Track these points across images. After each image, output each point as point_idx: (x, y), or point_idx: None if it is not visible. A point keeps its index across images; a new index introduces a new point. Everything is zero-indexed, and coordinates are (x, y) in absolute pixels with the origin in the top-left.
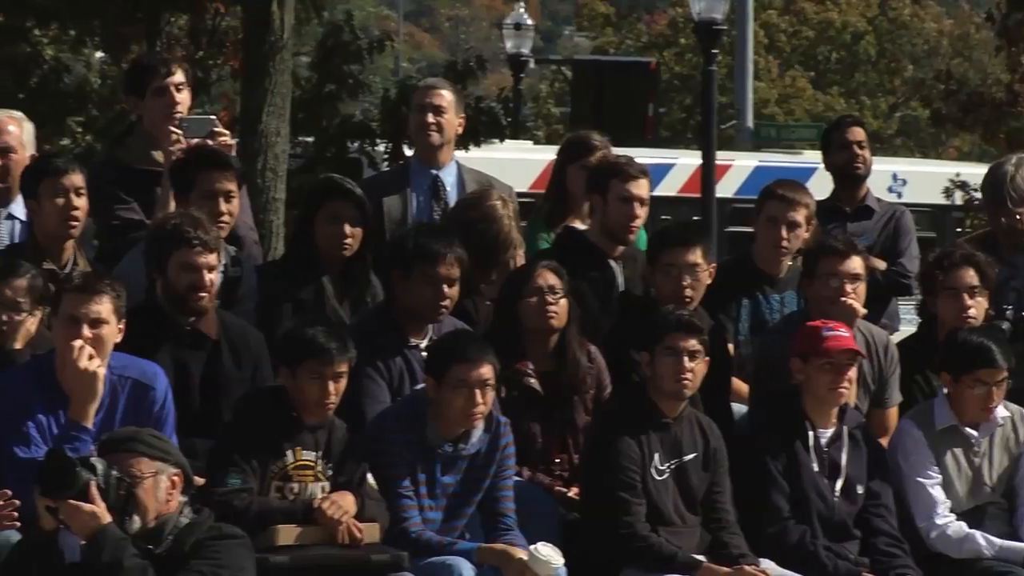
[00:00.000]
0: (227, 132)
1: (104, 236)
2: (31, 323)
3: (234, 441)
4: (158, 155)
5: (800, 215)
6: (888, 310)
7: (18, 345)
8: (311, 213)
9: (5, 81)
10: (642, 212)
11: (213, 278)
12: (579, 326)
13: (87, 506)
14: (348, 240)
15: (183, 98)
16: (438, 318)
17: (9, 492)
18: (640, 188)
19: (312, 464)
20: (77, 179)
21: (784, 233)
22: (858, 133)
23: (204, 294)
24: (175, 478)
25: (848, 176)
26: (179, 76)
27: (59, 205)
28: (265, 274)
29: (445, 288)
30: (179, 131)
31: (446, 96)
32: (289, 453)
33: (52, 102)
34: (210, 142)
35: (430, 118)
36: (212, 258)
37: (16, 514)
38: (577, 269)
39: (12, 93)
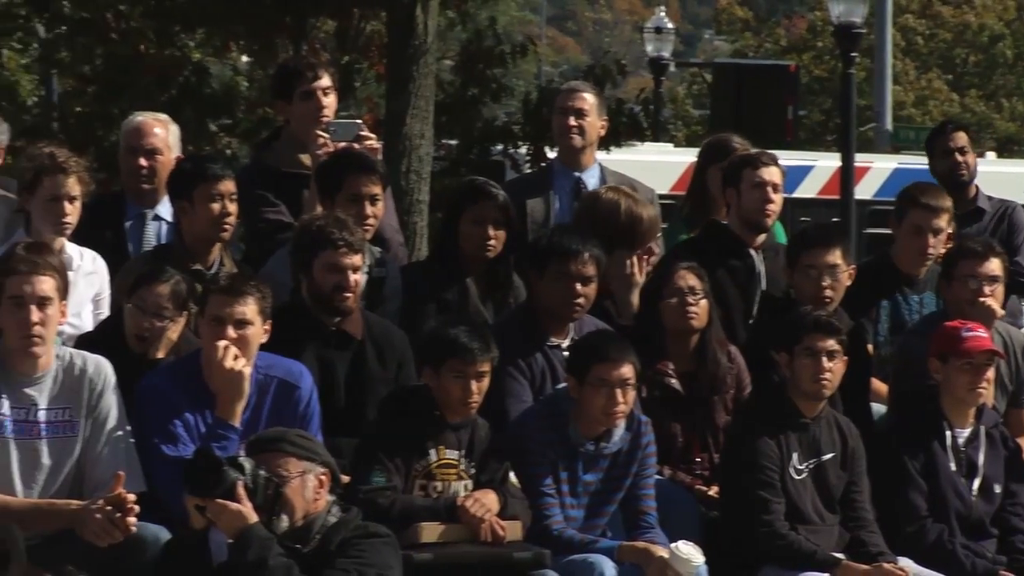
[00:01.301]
0: (373, 135)
1: (251, 238)
2: (173, 331)
3: (379, 440)
4: (305, 158)
5: (943, 220)
6: (1008, 307)
7: (160, 354)
8: (455, 215)
9: (150, 85)
10: (776, 198)
11: (358, 279)
12: (719, 327)
13: (234, 505)
14: (492, 242)
15: (329, 102)
16: (573, 316)
17: (133, 496)
18: (772, 174)
19: (455, 463)
20: (231, 185)
21: (930, 241)
22: (960, 138)
23: (349, 295)
24: (322, 477)
25: (953, 182)
26: (326, 80)
27: (214, 210)
28: (409, 275)
29: (579, 286)
30: (326, 135)
31: (588, 99)
32: (433, 452)
33: (196, 105)
34: (356, 145)
35: (572, 121)
36: (357, 259)
37: (136, 514)
38: (718, 259)
39: (156, 96)
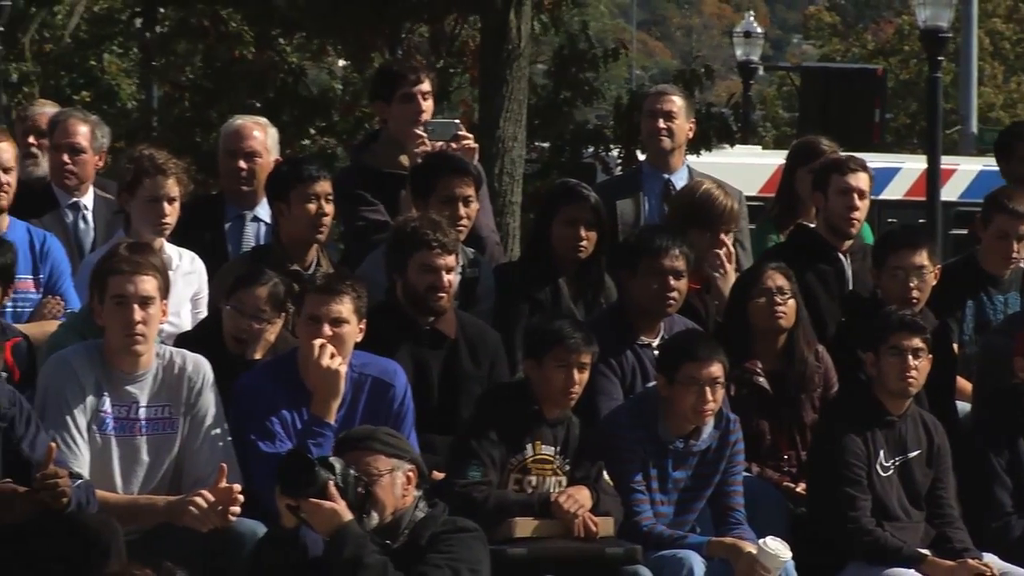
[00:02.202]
0: (470, 136)
1: (349, 238)
2: (271, 332)
3: (476, 434)
4: (403, 159)
5: None
6: None
7: (258, 355)
8: (548, 216)
9: (248, 88)
10: (862, 204)
11: (451, 279)
12: (807, 326)
13: (328, 504)
14: (583, 243)
15: (428, 106)
16: (667, 310)
17: (238, 487)
18: (859, 180)
19: (550, 459)
20: (327, 186)
21: (1015, 246)
22: None
23: (443, 295)
24: (410, 474)
25: None
26: (426, 85)
27: (310, 211)
28: (502, 275)
29: (671, 280)
30: (424, 134)
31: (676, 102)
32: (529, 447)
33: (293, 108)
34: (454, 145)
35: (661, 123)
36: (450, 260)
37: (239, 504)
38: (808, 263)
39: (254, 100)
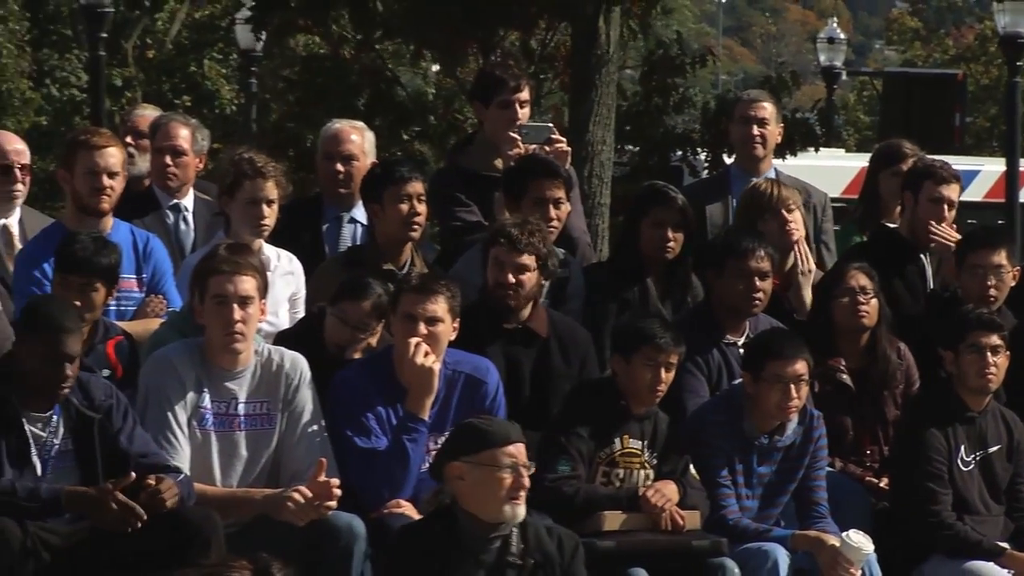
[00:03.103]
0: (563, 139)
1: (444, 238)
2: (372, 338)
3: (565, 430)
4: (498, 162)
5: None
6: None
7: (357, 355)
8: (636, 218)
9: (346, 92)
10: (949, 215)
11: (524, 278)
12: (889, 324)
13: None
14: (670, 244)
15: (525, 114)
16: (752, 310)
17: (336, 481)
18: (951, 191)
19: (638, 453)
20: (419, 186)
21: None
22: None
23: (507, 291)
24: None
25: None
26: (525, 93)
27: (403, 211)
28: (591, 275)
29: (757, 281)
30: (518, 137)
31: (768, 108)
32: (617, 441)
33: (389, 112)
34: (547, 148)
35: (755, 130)
36: (523, 258)
37: (338, 496)
38: (890, 263)
39: (351, 104)
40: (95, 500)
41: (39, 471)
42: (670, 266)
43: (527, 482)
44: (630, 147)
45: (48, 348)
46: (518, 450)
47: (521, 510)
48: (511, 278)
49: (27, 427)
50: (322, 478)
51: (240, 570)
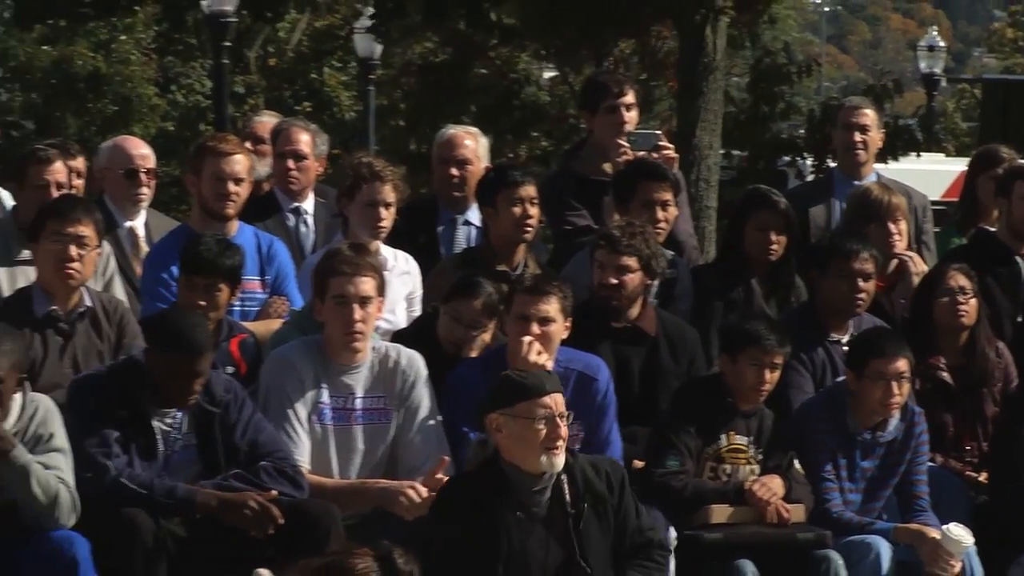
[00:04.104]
0: (671, 146)
1: (556, 240)
2: (486, 336)
3: (673, 426)
4: (607, 167)
5: None
6: None
7: (473, 354)
8: (740, 221)
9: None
10: None
11: (627, 279)
12: (987, 324)
13: None
14: (774, 247)
15: (632, 117)
16: (855, 310)
17: (447, 478)
18: None
19: (744, 448)
20: (531, 190)
21: None
22: None
23: (608, 292)
24: None
25: None
26: (630, 97)
27: (515, 213)
28: (699, 275)
29: (860, 282)
30: (627, 144)
31: (870, 115)
32: (723, 437)
33: (511, 116)
34: (655, 155)
35: (857, 136)
36: (624, 260)
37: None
38: (987, 266)
39: (466, 109)
40: (233, 505)
41: (163, 464)
42: (773, 267)
43: (564, 432)
44: (737, 152)
45: (182, 367)
46: (553, 400)
47: (559, 460)
48: (612, 279)
49: (154, 423)
50: (439, 474)
51: (362, 557)
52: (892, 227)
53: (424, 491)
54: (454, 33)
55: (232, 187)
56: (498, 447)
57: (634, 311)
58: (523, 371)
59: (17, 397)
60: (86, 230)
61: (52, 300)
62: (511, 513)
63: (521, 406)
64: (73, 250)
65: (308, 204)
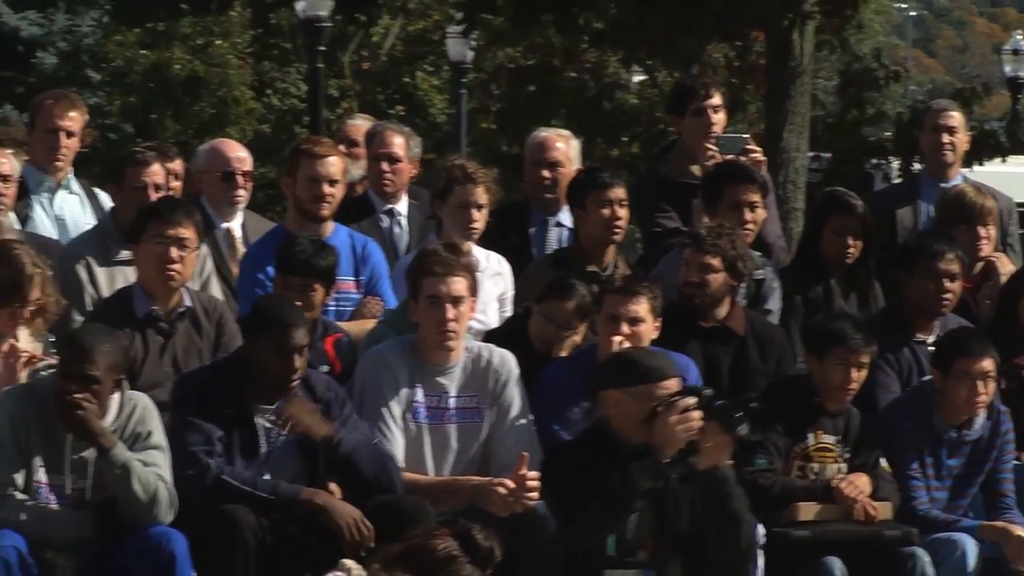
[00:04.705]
0: (758, 149)
1: (645, 242)
2: (577, 337)
3: (761, 425)
4: (695, 169)
5: None
6: None
7: (563, 354)
8: (818, 224)
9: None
10: None
11: (710, 278)
12: None
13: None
14: (850, 249)
15: (719, 119)
16: (941, 310)
17: (533, 474)
18: None
19: (831, 447)
20: (620, 192)
21: None
22: None
23: (691, 291)
24: None
25: None
26: (716, 99)
27: (605, 215)
28: (783, 276)
29: (946, 282)
30: (715, 148)
31: (957, 118)
32: (811, 436)
33: (602, 119)
34: (743, 158)
35: (945, 138)
36: (708, 259)
37: (537, 489)
38: None
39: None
40: (335, 513)
41: (264, 460)
42: (851, 268)
43: None
44: (825, 154)
45: (278, 341)
46: (673, 385)
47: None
48: (695, 277)
49: (257, 420)
50: (523, 471)
51: (442, 538)
52: (981, 230)
53: (511, 485)
54: (544, 37)
55: (327, 189)
56: (609, 419)
57: (722, 311)
58: (647, 351)
59: (115, 396)
60: (187, 232)
61: (153, 300)
62: (624, 474)
63: (642, 388)
64: (174, 252)
65: (402, 206)
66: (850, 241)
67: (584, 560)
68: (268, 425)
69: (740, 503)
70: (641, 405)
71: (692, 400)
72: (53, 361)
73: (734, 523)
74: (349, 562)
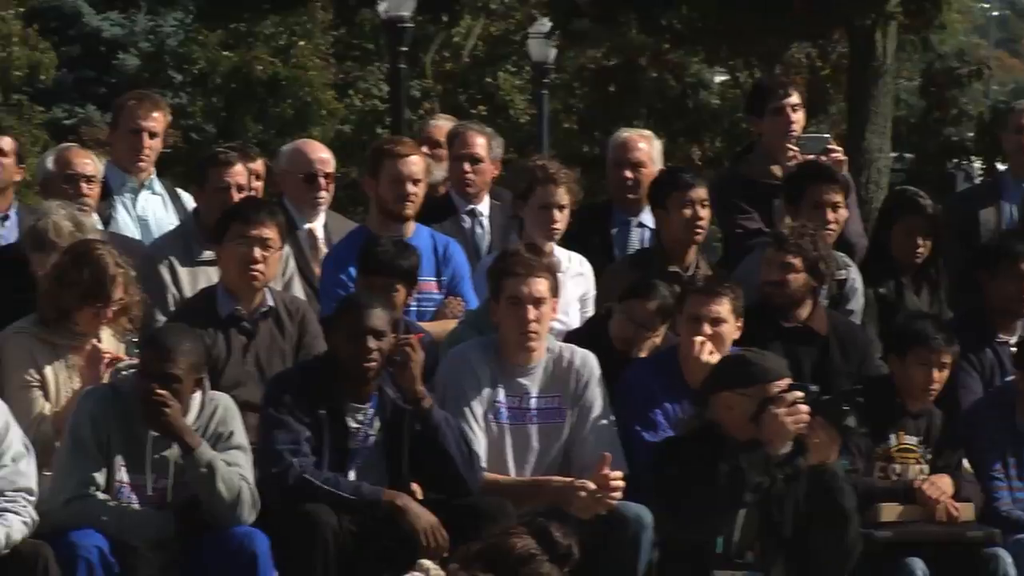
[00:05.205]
0: (839, 149)
1: (726, 242)
2: (657, 337)
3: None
4: (776, 169)
5: None
6: None
7: (643, 355)
8: (887, 224)
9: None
10: None
11: (790, 278)
12: None
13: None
14: (920, 249)
15: (798, 118)
16: (1023, 312)
17: (617, 474)
18: None
19: (914, 448)
20: (702, 192)
21: None
22: None
23: (771, 290)
24: None
25: None
26: (795, 98)
27: (686, 215)
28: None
29: None
30: (795, 148)
31: None
32: (893, 437)
33: (684, 119)
34: (823, 158)
35: None
36: (789, 258)
37: (620, 489)
38: None
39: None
40: (416, 518)
41: (353, 461)
42: (921, 267)
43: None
44: (908, 154)
45: (350, 322)
46: (784, 385)
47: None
48: (776, 276)
49: (347, 419)
50: (604, 472)
51: (520, 536)
52: None
53: (592, 486)
54: (626, 37)
55: (411, 188)
56: (721, 421)
57: (804, 311)
58: (759, 352)
59: (196, 396)
60: (270, 232)
61: (236, 300)
62: (735, 472)
63: (756, 388)
64: (258, 252)
65: (483, 206)
66: (920, 241)
67: (692, 559)
68: (356, 425)
69: (849, 499)
70: (753, 405)
71: (800, 394)
72: (134, 361)
73: (843, 518)
74: (427, 562)
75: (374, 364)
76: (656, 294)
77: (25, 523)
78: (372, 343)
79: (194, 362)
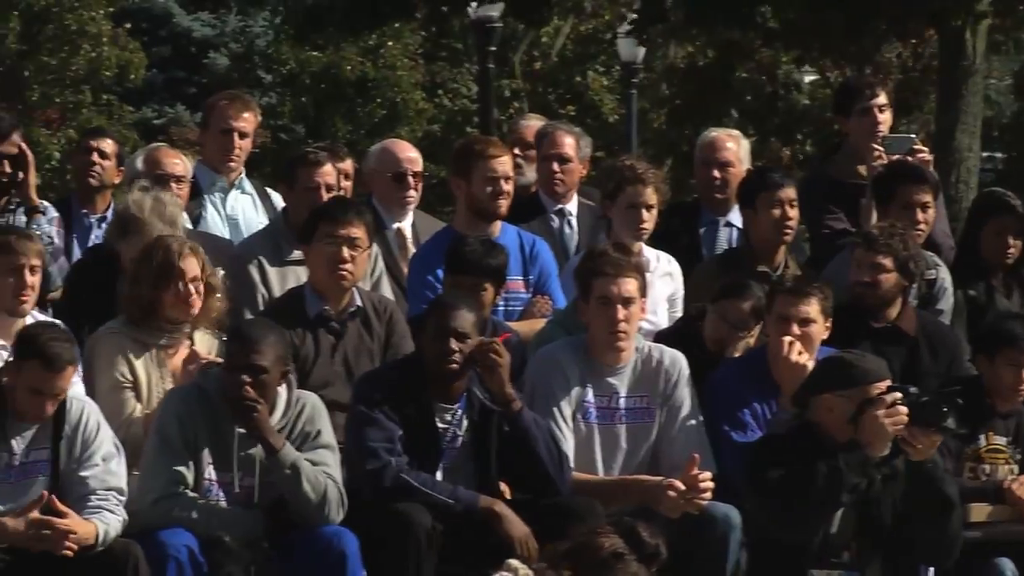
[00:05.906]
0: (925, 149)
1: (814, 242)
2: (751, 339)
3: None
4: (862, 169)
5: None
6: None
7: (736, 355)
8: (977, 225)
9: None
10: None
11: (881, 278)
12: None
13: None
14: (1011, 249)
15: (885, 118)
16: None
17: (706, 474)
18: None
19: (1003, 448)
20: (791, 192)
21: None
22: None
23: (861, 290)
24: None
25: None
26: (882, 98)
27: (775, 215)
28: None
29: None
30: (881, 148)
31: None
32: (982, 437)
33: (775, 119)
34: (910, 158)
35: None
36: (879, 259)
37: (710, 489)
38: None
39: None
40: (509, 523)
41: (440, 461)
42: (1012, 267)
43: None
44: (999, 154)
45: (436, 321)
46: (884, 387)
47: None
48: (867, 277)
49: (436, 419)
50: (693, 472)
51: (608, 536)
52: None
53: (681, 486)
54: (716, 35)
55: (504, 186)
56: (821, 422)
57: (894, 311)
58: (860, 354)
59: (282, 391)
60: (358, 232)
61: (324, 300)
62: (833, 469)
63: (857, 391)
64: (346, 251)
65: (572, 206)
66: (1010, 241)
67: (787, 558)
68: (444, 425)
69: (952, 489)
70: (853, 407)
71: (899, 395)
72: (219, 360)
73: (948, 505)
74: (515, 562)
75: (455, 366)
76: (750, 295)
77: (121, 521)
78: (454, 344)
79: (280, 354)
